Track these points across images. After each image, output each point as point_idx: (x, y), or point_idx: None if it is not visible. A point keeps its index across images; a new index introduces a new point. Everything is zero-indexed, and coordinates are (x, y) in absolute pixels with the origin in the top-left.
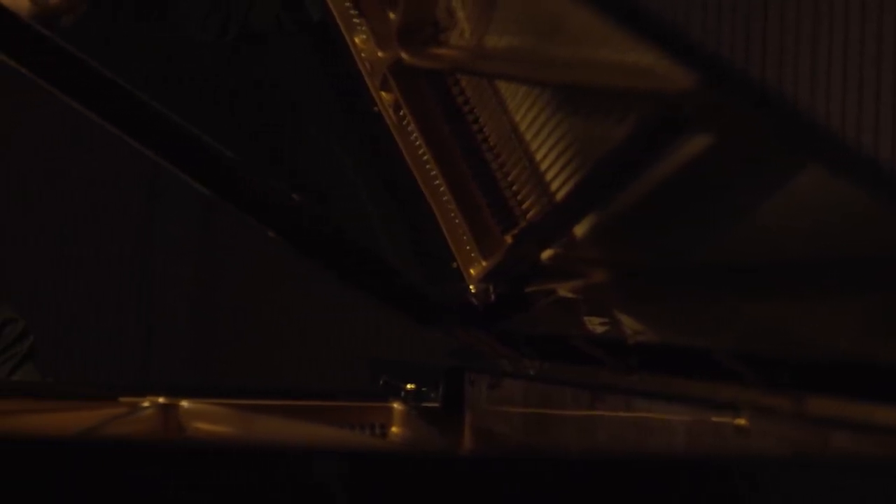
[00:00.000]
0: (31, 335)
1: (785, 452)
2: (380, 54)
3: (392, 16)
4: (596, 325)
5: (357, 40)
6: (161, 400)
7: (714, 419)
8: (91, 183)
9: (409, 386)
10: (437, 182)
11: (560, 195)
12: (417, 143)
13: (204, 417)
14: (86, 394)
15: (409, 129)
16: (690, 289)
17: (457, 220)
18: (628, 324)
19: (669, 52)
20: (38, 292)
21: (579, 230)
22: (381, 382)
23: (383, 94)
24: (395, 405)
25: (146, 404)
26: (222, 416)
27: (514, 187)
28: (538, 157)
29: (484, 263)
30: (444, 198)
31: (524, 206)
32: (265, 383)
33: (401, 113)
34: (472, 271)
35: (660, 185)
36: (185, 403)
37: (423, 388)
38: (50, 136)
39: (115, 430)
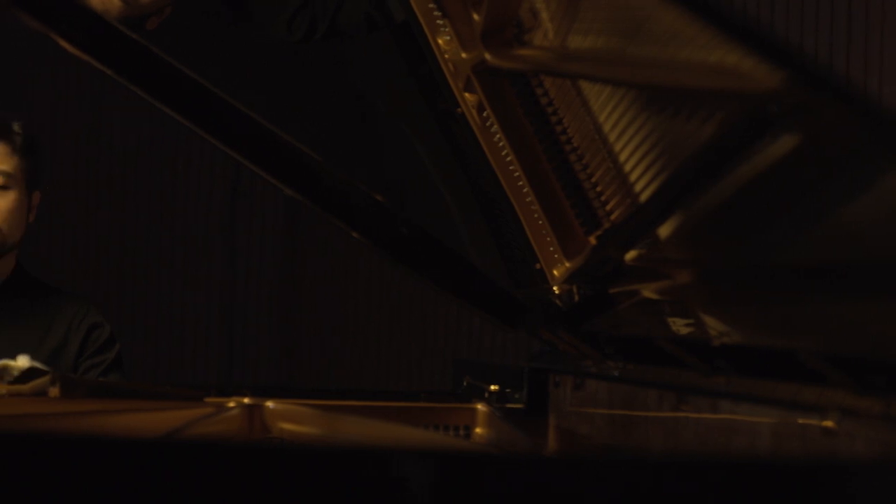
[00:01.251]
0: (118, 343)
1: (873, 455)
2: (463, 55)
3: (476, 17)
4: (680, 326)
5: (440, 41)
6: (246, 400)
7: (800, 421)
8: (176, 186)
9: (492, 387)
10: (521, 183)
11: (644, 196)
12: (501, 143)
13: (289, 418)
14: (173, 395)
15: (493, 129)
16: (776, 290)
17: (540, 222)
18: (713, 325)
19: (755, 51)
20: (123, 295)
21: (663, 231)
22: (464, 384)
23: (467, 95)
24: (479, 406)
25: (232, 405)
26: (307, 417)
27: (598, 188)
28: (622, 157)
29: (567, 264)
30: (528, 199)
31: (608, 207)
32: (348, 384)
33: (484, 114)
34: (555, 272)
35: (745, 185)
36: (270, 404)
37: (507, 390)
38: (135, 138)
39: (201, 430)
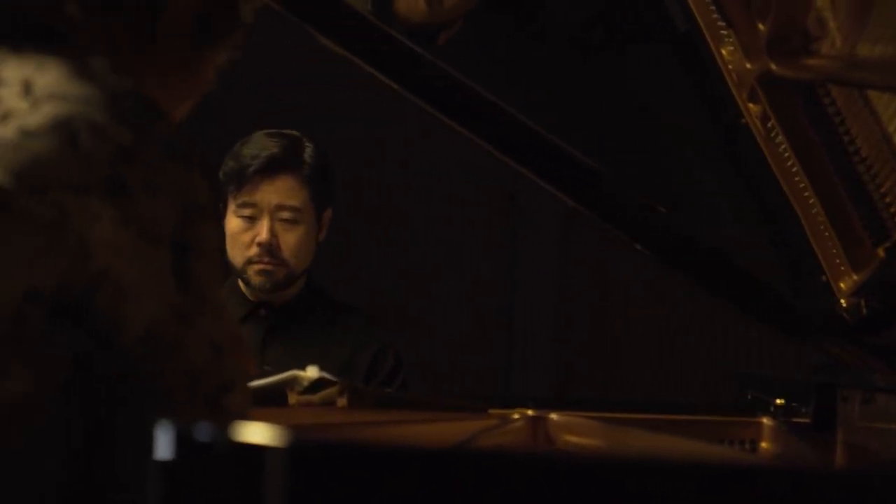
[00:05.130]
0: (403, 367)
1: None
2: (748, 65)
3: (761, 27)
4: None
5: (724, 51)
6: (530, 412)
7: None
8: (453, 195)
9: (778, 401)
10: (807, 194)
11: None
12: (786, 154)
13: (572, 430)
14: (458, 406)
15: (777, 139)
16: None
17: (826, 233)
18: None
19: None
20: (400, 306)
21: None
22: (749, 397)
23: (750, 105)
24: (765, 420)
25: (516, 416)
26: (591, 430)
27: (888, 199)
28: None
29: (855, 277)
30: (814, 210)
31: None
32: (631, 397)
33: (769, 124)
34: (842, 285)
35: None
36: (553, 416)
37: (794, 404)
38: (412, 148)
39: (487, 441)
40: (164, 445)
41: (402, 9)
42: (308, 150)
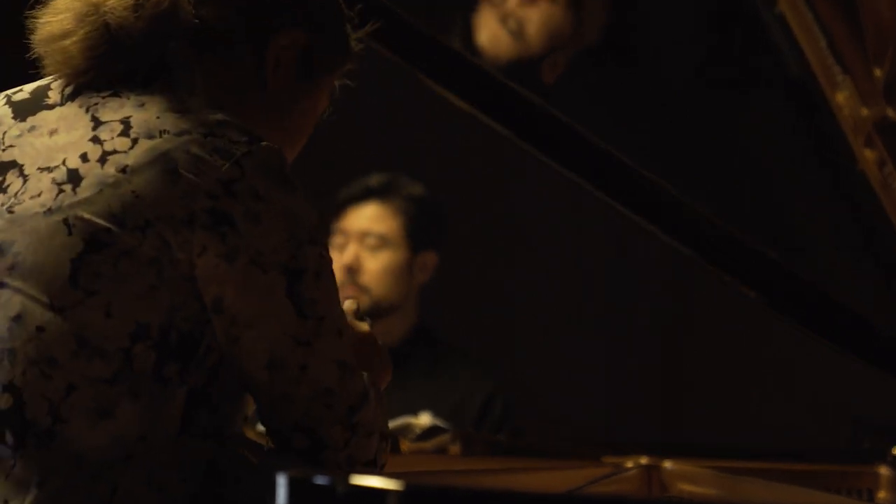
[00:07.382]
0: (513, 412)
1: None
2: (864, 111)
3: (877, 72)
4: None
5: (839, 97)
6: (644, 460)
7: None
8: (561, 239)
9: (895, 450)
10: None
11: None
12: None
13: (688, 479)
14: (571, 453)
15: (894, 186)
16: None
17: None
18: None
19: None
20: (502, 350)
21: None
22: (866, 445)
23: (866, 151)
24: (882, 470)
25: (630, 465)
26: (706, 478)
27: None
28: None
29: None
30: None
31: None
32: (744, 444)
33: (885, 170)
34: None
35: None
36: (667, 464)
37: None
38: (523, 193)
39: (602, 489)
40: (282, 491)
41: (486, 45)
42: (407, 186)
